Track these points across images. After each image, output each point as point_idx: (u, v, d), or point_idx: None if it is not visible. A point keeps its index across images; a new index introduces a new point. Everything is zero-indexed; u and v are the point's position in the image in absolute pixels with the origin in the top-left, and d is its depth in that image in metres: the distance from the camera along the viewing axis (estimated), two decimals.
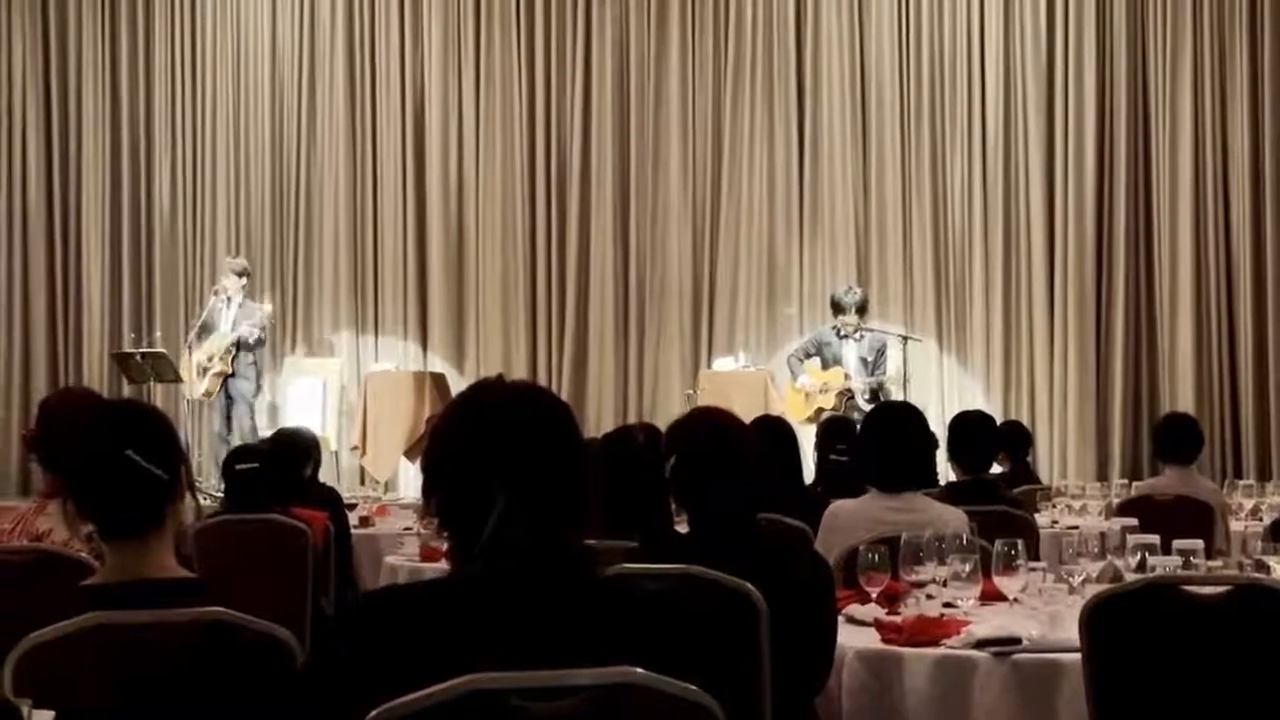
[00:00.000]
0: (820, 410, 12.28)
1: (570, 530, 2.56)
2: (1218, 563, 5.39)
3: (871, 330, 12.93)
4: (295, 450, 8.14)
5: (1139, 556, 4.77)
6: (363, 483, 13.68)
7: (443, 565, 6.08)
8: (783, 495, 5.96)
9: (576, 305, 14.89)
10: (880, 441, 5.49)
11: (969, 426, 7.15)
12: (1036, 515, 7.57)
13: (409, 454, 13.58)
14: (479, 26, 15.10)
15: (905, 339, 12.91)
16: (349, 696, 2.42)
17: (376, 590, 2.73)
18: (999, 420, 9.72)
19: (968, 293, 14.35)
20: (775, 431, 6.82)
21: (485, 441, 2.54)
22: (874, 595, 4.55)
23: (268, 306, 13.75)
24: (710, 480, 4.14)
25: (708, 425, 4.28)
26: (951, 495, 6.31)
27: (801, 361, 12.77)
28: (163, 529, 3.21)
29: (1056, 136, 14.26)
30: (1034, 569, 4.56)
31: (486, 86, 15.07)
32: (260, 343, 13.41)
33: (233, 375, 13.29)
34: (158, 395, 13.72)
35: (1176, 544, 4.90)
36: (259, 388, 13.72)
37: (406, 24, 15.15)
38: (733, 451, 4.17)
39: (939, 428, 9.31)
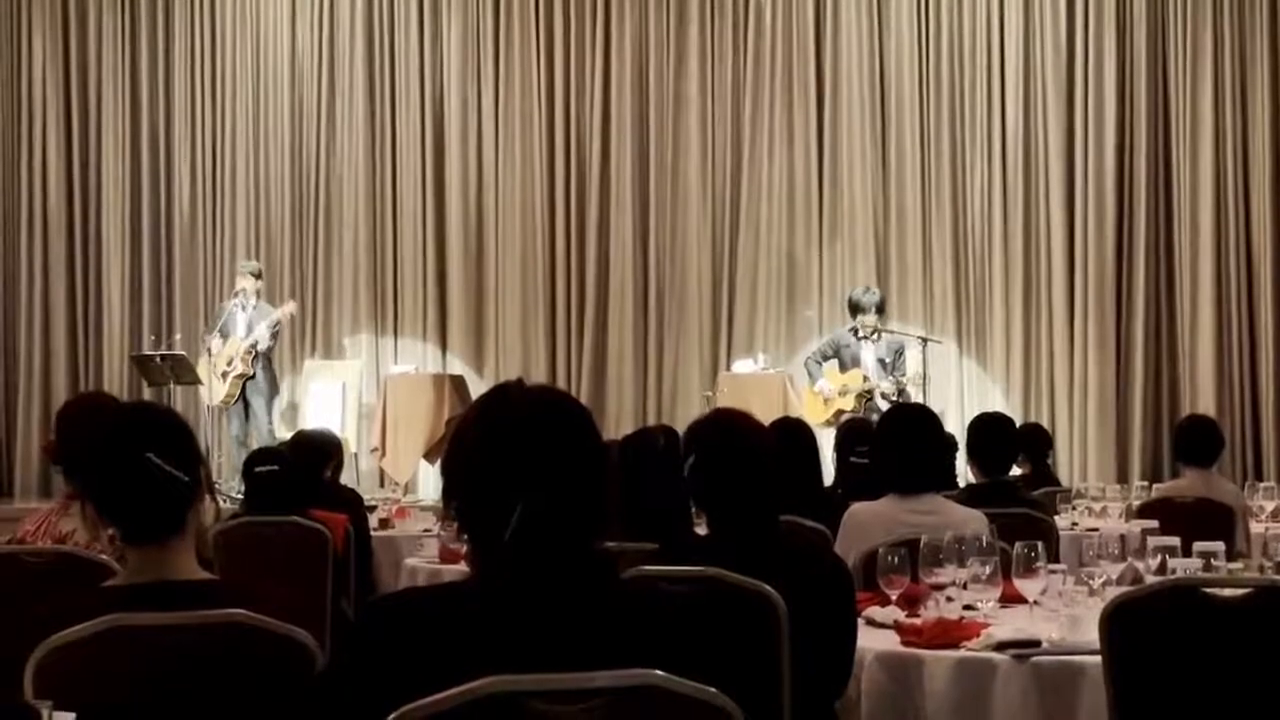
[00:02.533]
0: (840, 412, 12.26)
1: (591, 533, 2.56)
2: (1239, 565, 5.38)
3: (891, 332, 12.93)
4: (316, 452, 8.15)
5: (1159, 559, 4.76)
6: (382, 485, 13.70)
7: (462, 568, 6.10)
8: (802, 498, 5.95)
9: (596, 307, 14.89)
10: (896, 444, 5.49)
11: (988, 428, 7.14)
12: (1056, 517, 7.56)
13: (428, 456, 13.59)
14: (498, 29, 15.11)
15: (925, 341, 12.89)
16: (368, 700, 2.43)
17: (395, 593, 2.73)
18: (1019, 422, 9.71)
19: (987, 294, 14.32)
20: (794, 433, 6.81)
21: (505, 445, 2.55)
22: (894, 598, 4.56)
23: (292, 303, 13.79)
24: (729, 482, 4.14)
25: (726, 427, 4.28)
26: (971, 497, 6.31)
27: (819, 364, 12.75)
28: (184, 532, 3.21)
29: (1076, 137, 14.22)
30: (1054, 571, 4.55)
31: (506, 88, 15.08)
32: (271, 347, 13.45)
33: (251, 379, 13.34)
34: (177, 398, 13.76)
35: (1197, 546, 4.89)
36: (275, 391, 13.77)
37: (426, 26, 15.17)
38: (751, 453, 4.18)
39: (959, 430, 9.33)
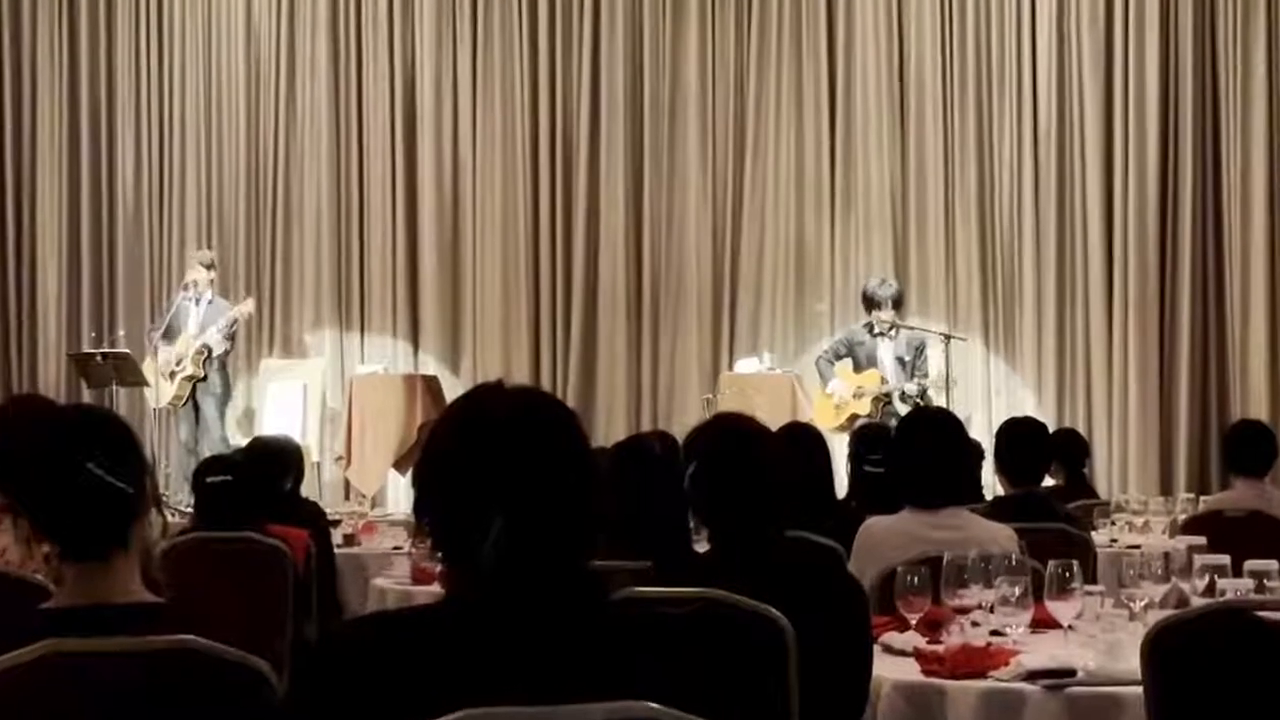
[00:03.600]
0: (854, 417, 12.27)
1: (578, 551, 2.57)
2: None
3: (910, 328, 12.93)
4: (273, 461, 8.16)
5: (1207, 579, 4.77)
6: (347, 497, 13.67)
7: (436, 589, 6.10)
8: (812, 511, 5.96)
9: (584, 301, 14.88)
10: (916, 452, 5.50)
11: (1019, 435, 7.16)
12: (1094, 533, 7.58)
13: (399, 465, 13.59)
14: None
15: (948, 338, 12.90)
16: None
17: (362, 617, 2.74)
18: (1052, 427, 9.73)
19: (1017, 286, 14.31)
20: (804, 440, 6.83)
21: (484, 453, 2.55)
22: (913, 622, 4.57)
23: (249, 301, 13.76)
24: (733, 494, 4.14)
25: (730, 433, 4.29)
26: (999, 511, 6.33)
27: (832, 364, 12.76)
28: (127, 549, 3.21)
29: (1115, 110, 14.18)
30: (1091, 593, 4.56)
31: (485, 58, 15.06)
32: (227, 350, 13.43)
33: (203, 380, 13.32)
34: (121, 401, 13.75)
35: (1249, 565, 4.90)
36: (229, 393, 13.75)
37: None
38: (757, 462, 4.18)
39: (986, 436, 9.33)
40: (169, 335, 13.38)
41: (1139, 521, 8.03)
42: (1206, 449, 13.86)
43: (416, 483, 2.63)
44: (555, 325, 14.96)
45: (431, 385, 13.98)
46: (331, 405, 14.58)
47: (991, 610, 4.49)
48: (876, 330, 12.67)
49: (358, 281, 15.13)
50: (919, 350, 12.66)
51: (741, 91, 14.83)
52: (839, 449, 9.09)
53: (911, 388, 12.42)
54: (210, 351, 13.26)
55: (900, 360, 12.58)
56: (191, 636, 3.08)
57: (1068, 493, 8.95)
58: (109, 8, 15.31)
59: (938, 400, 12.25)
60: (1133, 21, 14.18)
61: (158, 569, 4.74)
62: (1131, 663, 3.95)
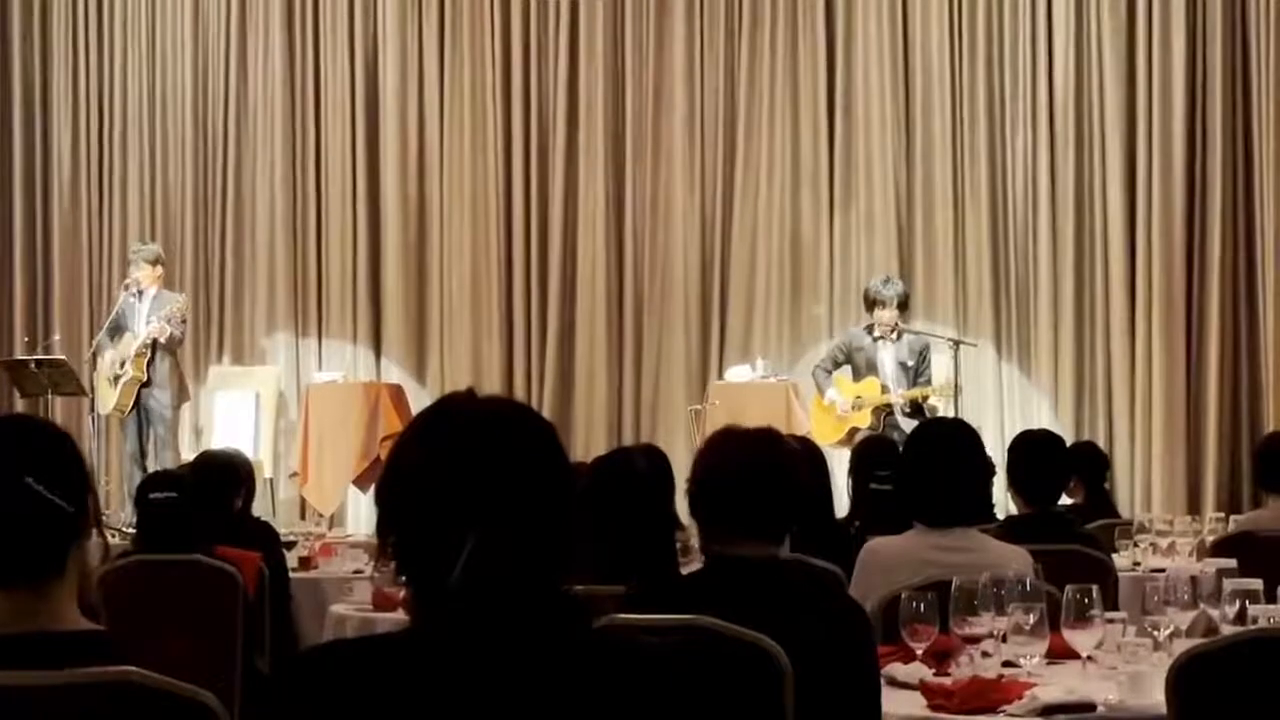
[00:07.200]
0: (854, 430, 12.26)
1: (555, 574, 2.57)
2: None
3: (916, 332, 12.91)
4: (222, 477, 8.16)
5: (1238, 605, 4.78)
6: (303, 516, 13.69)
7: (400, 616, 6.10)
8: (811, 531, 5.96)
9: (560, 303, 14.88)
10: (925, 467, 5.50)
11: (1034, 449, 7.17)
12: (1115, 555, 7.59)
13: (359, 482, 13.58)
14: None
15: (956, 343, 12.88)
16: None
17: (319, 646, 2.74)
18: (1069, 440, 9.74)
19: (1032, 287, 14.33)
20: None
21: (453, 468, 2.55)
22: (919, 652, 4.57)
23: (181, 297, 13.62)
24: (756, 509, 4.13)
25: (760, 442, 4.28)
26: (1013, 531, 6.33)
27: (829, 373, 12.71)
28: (65, 573, 3.20)
29: (1139, 95, 14.20)
30: (1112, 620, 4.57)
31: (453, 38, 15.06)
32: (178, 341, 13.31)
33: (148, 384, 13.24)
34: (57, 411, 13.72)
35: None
36: (181, 399, 13.69)
37: None
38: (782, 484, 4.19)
39: (998, 450, 9.34)
40: (113, 336, 13.31)
41: (1164, 543, 8.05)
42: (1237, 464, 13.88)
43: (379, 500, 2.63)
44: (529, 329, 14.95)
45: (395, 395, 13.98)
46: (287, 416, 14.56)
47: (1004, 639, 4.50)
48: (877, 334, 12.62)
49: (315, 282, 15.12)
50: (922, 355, 12.62)
51: (732, 73, 14.83)
52: (839, 465, 9.09)
53: (898, 400, 12.35)
54: (153, 351, 13.11)
55: (903, 365, 12.53)
56: (134, 668, 3.08)
57: (1087, 511, 8.96)
58: None
59: (943, 410, 12.24)
60: (1157, 3, 14.18)
61: (96, 595, 4.73)
62: (1156, 696, 3.96)
